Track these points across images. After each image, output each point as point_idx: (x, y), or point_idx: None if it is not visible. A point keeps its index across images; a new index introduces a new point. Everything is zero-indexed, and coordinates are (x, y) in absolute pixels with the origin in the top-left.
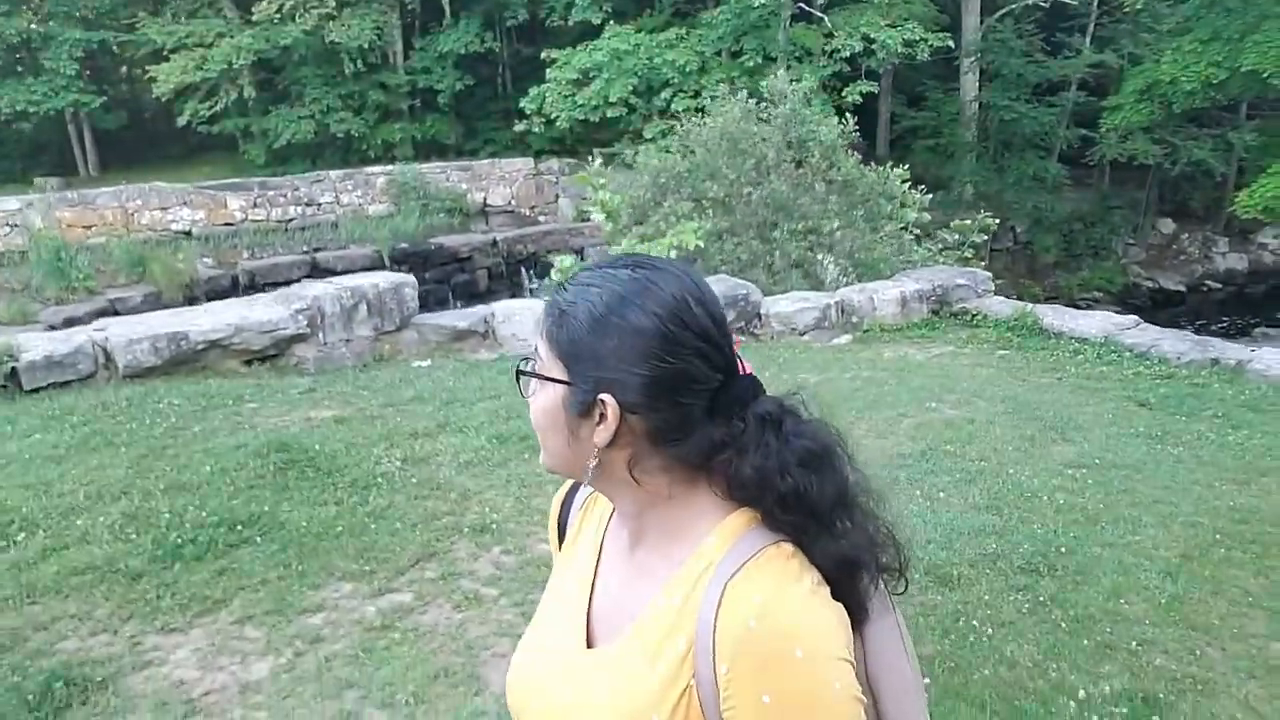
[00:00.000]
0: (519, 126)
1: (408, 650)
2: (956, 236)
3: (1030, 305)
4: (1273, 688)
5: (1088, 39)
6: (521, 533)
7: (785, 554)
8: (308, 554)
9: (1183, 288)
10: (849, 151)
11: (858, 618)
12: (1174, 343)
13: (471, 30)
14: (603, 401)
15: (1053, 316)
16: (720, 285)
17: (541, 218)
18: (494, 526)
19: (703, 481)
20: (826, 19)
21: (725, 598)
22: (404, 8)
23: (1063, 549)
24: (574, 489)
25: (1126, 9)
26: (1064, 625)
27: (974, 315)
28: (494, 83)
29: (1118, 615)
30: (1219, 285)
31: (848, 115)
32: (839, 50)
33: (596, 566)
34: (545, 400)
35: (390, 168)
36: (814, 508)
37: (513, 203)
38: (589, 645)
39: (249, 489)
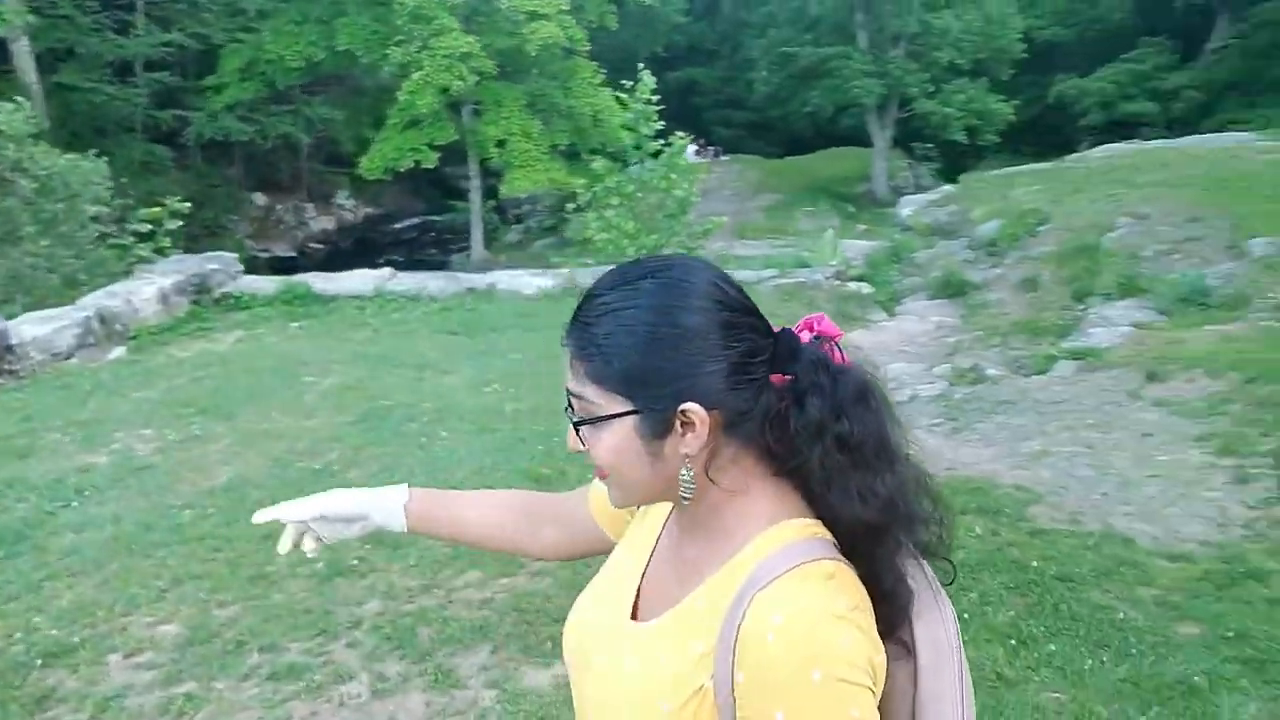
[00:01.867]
0: None
1: None
2: (149, 226)
3: (294, 277)
4: None
5: (141, 16)
6: None
7: (823, 574)
8: None
9: (294, 253)
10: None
11: (900, 604)
12: (436, 282)
13: None
14: (684, 412)
15: (322, 282)
16: None
17: None
18: None
19: (762, 477)
20: None
21: (750, 609)
22: None
23: None
24: None
25: None
26: None
27: (240, 297)
28: None
29: None
30: (320, 245)
31: (21, 100)
32: None
33: (654, 549)
34: (613, 439)
35: None
36: (862, 445)
37: None
38: (633, 619)
39: None
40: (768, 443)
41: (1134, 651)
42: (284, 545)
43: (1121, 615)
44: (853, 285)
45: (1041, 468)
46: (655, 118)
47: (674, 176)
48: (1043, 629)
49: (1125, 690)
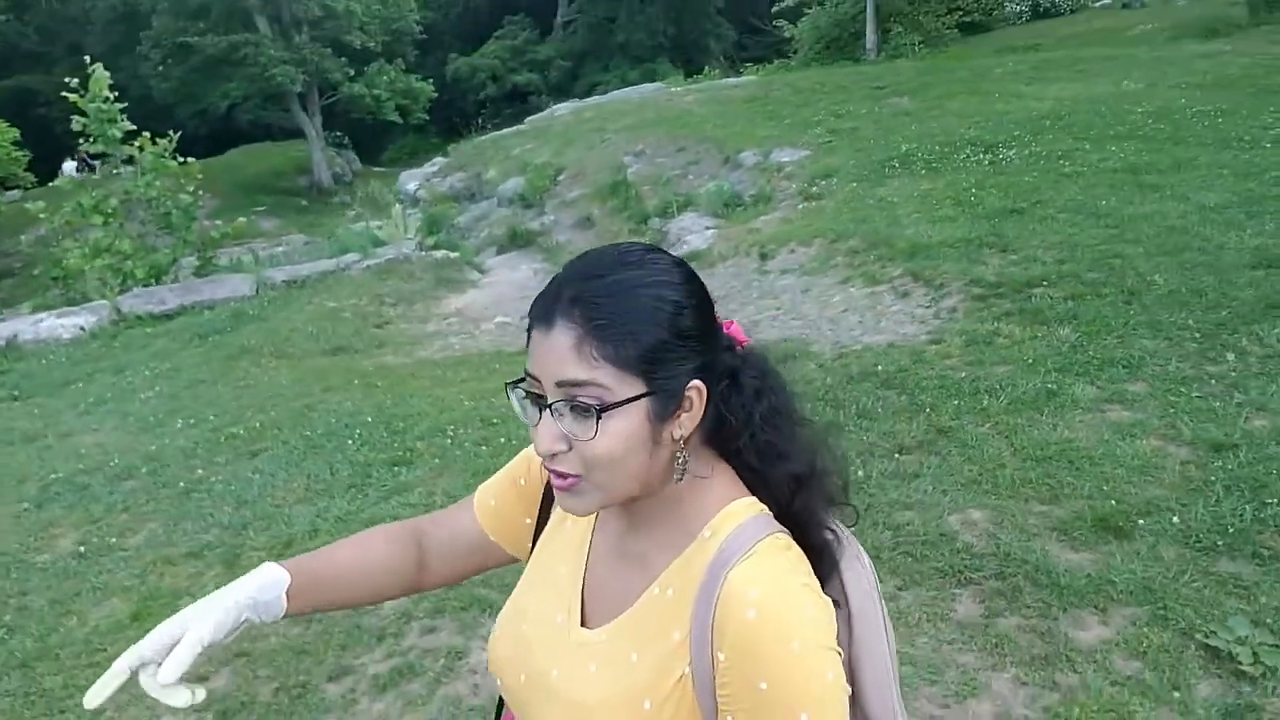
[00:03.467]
0: None
1: None
2: None
3: None
4: None
5: None
6: None
7: (781, 546)
8: None
9: None
10: None
11: (831, 557)
12: None
13: None
14: (690, 390)
15: None
16: None
17: None
18: None
19: (716, 459)
20: None
21: (724, 589)
22: None
23: None
24: None
25: None
26: None
27: None
28: None
29: None
30: None
31: None
32: None
33: (589, 553)
34: (627, 426)
35: None
36: (781, 412)
37: None
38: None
39: None
40: (721, 423)
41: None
42: (183, 698)
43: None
44: (439, 253)
45: (760, 333)
46: (120, 117)
47: (163, 182)
48: None
49: None
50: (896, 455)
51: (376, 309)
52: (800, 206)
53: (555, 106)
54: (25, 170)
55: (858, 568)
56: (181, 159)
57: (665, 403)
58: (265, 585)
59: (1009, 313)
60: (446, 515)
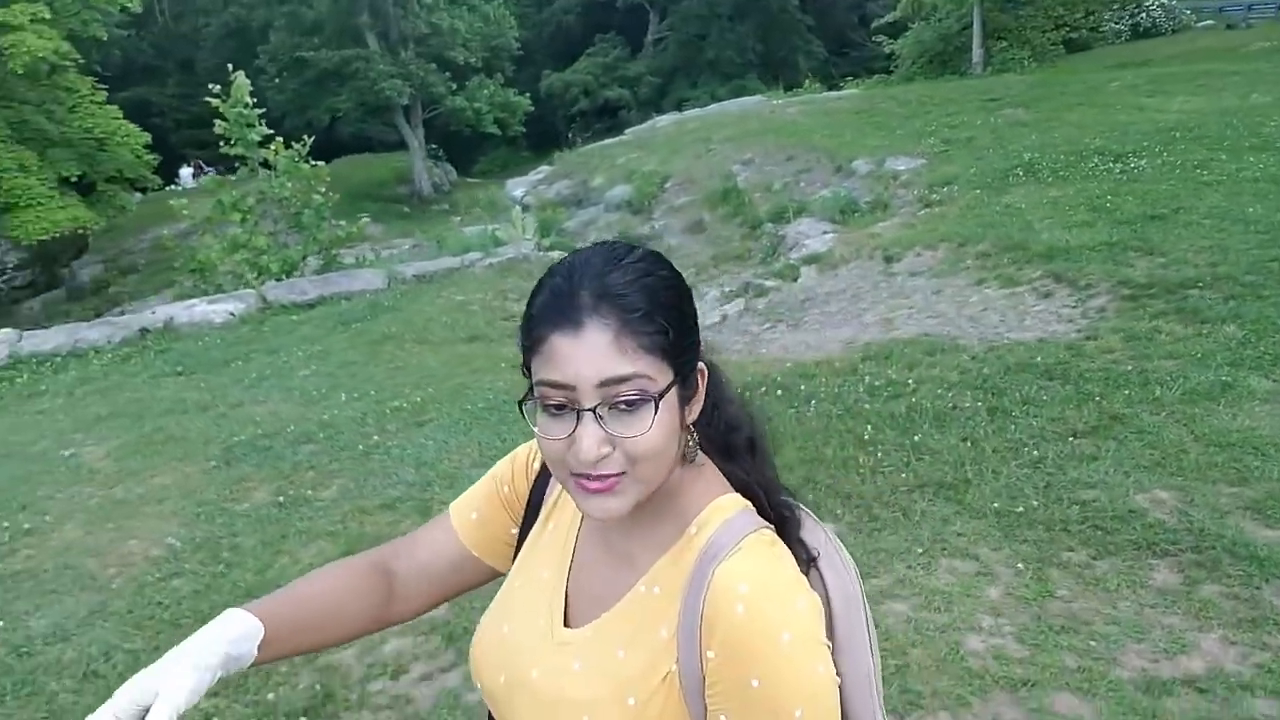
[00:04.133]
0: None
1: None
2: None
3: None
4: None
5: None
6: None
7: (768, 541)
8: None
9: None
10: None
11: (811, 554)
12: (90, 333)
13: None
14: (699, 372)
15: None
16: None
17: None
18: None
19: (704, 450)
20: None
21: (712, 584)
22: None
23: None
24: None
25: None
26: None
27: None
28: None
29: None
30: None
31: None
32: None
33: (573, 554)
34: (668, 414)
35: None
36: (733, 398)
37: None
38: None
39: None
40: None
41: None
42: None
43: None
44: (554, 254)
45: (898, 330)
46: (259, 122)
47: (294, 184)
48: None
49: None
50: (1070, 439)
51: (501, 303)
52: (921, 213)
53: (657, 118)
54: (153, 173)
55: (839, 568)
56: (311, 163)
57: (686, 387)
58: (239, 639)
59: (1164, 312)
60: (415, 540)
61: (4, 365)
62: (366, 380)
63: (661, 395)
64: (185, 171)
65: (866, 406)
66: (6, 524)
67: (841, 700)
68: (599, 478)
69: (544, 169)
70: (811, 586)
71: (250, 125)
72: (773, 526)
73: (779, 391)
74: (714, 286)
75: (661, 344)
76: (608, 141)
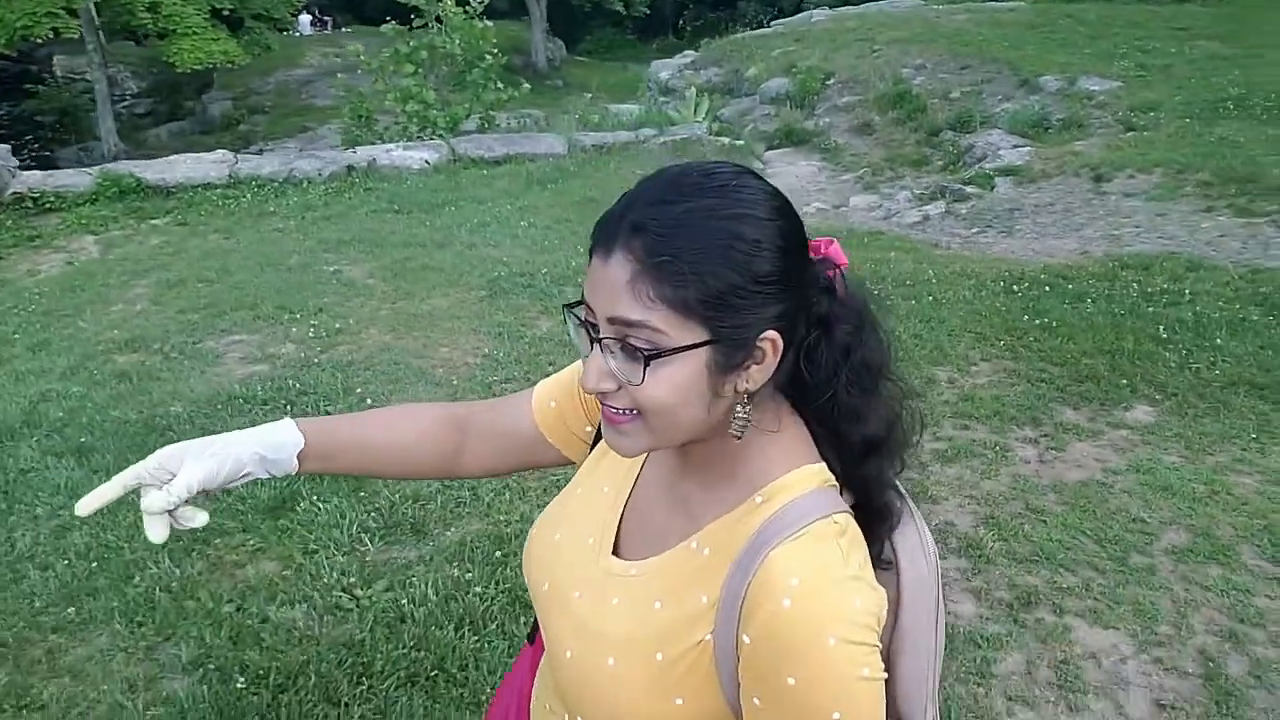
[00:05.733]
0: None
1: None
2: None
3: (110, 167)
4: None
5: None
6: None
7: (836, 531)
8: None
9: None
10: None
11: (890, 522)
12: (304, 163)
13: None
14: (762, 341)
15: (150, 172)
16: None
17: None
18: None
19: (789, 413)
20: None
21: (764, 566)
22: None
23: None
24: None
25: None
26: None
27: (41, 196)
28: None
29: None
30: None
31: None
32: None
33: (636, 480)
34: (681, 375)
35: None
36: (871, 369)
37: None
38: (614, 554)
39: None
40: (799, 375)
41: None
42: (159, 534)
43: None
44: (723, 139)
45: (1130, 245)
46: None
47: (469, 42)
48: None
49: None
50: None
51: None
52: (1122, 136)
53: (811, 12)
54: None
55: (917, 551)
56: (484, 22)
57: (731, 353)
58: (275, 445)
59: None
60: (500, 405)
61: (226, 184)
62: (586, 238)
63: (665, 354)
64: (304, 18)
65: (1149, 309)
66: (313, 321)
67: (891, 697)
68: (611, 408)
69: (689, 54)
70: (884, 577)
71: None
72: (849, 512)
73: (1046, 287)
74: (895, 187)
75: (686, 299)
76: (760, 32)
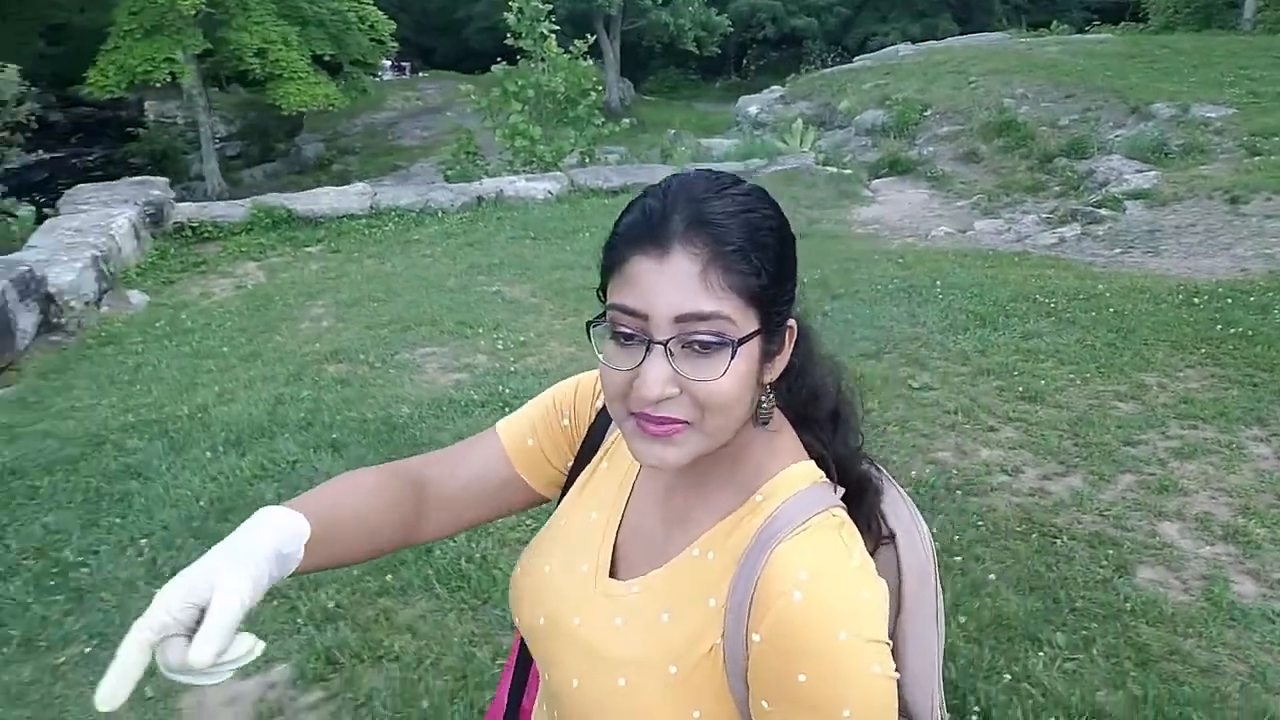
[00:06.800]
0: None
1: None
2: None
3: (262, 199)
4: None
5: None
6: None
7: (836, 524)
8: None
9: None
10: None
11: (872, 494)
12: (438, 194)
13: None
14: (788, 327)
15: (299, 204)
16: None
17: None
18: None
19: (777, 412)
20: None
21: (771, 562)
22: None
23: None
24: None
25: None
26: None
27: (200, 227)
28: None
29: None
30: None
31: None
32: None
33: (628, 500)
34: (745, 365)
35: None
36: (822, 352)
37: None
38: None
39: None
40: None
41: None
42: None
43: None
44: (830, 169)
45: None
46: (546, 16)
47: (571, 80)
48: None
49: None
50: None
51: (791, 210)
52: (1248, 160)
53: (897, 47)
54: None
55: (917, 544)
56: (587, 60)
57: (771, 341)
58: (289, 537)
59: None
60: (452, 455)
61: (369, 214)
62: None
63: (742, 342)
64: (384, 64)
65: None
66: (496, 335)
67: (901, 694)
68: (660, 420)
69: (776, 89)
70: (883, 564)
71: (538, 19)
72: (844, 506)
73: (1227, 300)
74: (1017, 212)
75: (752, 287)
76: (848, 67)
